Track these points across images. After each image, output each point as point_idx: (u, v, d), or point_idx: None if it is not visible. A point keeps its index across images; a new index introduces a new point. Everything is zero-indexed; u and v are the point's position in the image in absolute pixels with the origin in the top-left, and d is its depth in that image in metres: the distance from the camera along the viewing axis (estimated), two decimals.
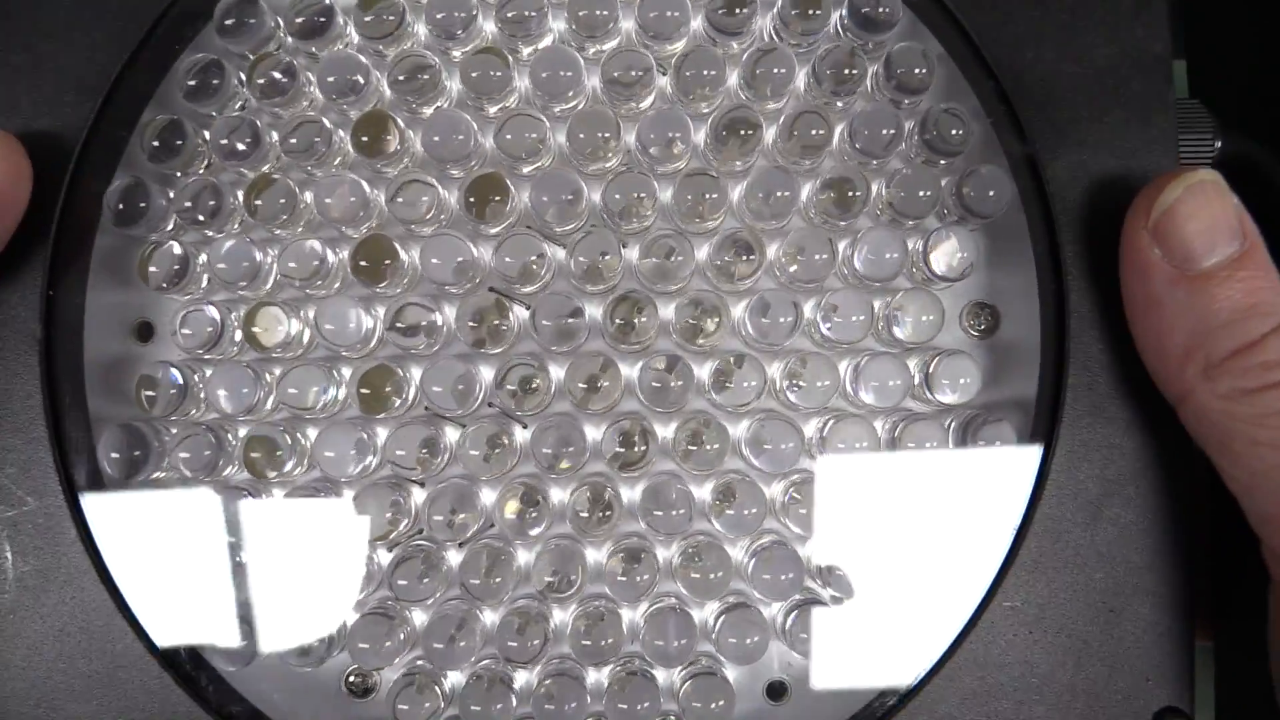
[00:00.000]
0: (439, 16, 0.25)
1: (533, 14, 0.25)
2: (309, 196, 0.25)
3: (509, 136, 0.24)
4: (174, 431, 0.26)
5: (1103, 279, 0.25)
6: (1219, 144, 0.28)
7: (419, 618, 0.26)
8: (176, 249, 0.25)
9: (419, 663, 0.26)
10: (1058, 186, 0.25)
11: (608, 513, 0.25)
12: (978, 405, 0.25)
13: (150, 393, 0.25)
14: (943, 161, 0.25)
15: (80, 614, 0.25)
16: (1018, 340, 0.26)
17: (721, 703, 0.25)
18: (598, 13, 0.24)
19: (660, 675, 0.26)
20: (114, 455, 0.25)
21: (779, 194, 0.25)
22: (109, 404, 0.26)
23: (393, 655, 0.25)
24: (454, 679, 0.26)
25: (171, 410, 0.25)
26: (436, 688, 0.25)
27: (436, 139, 0.24)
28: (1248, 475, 0.23)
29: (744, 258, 0.25)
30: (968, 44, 0.26)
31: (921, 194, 0.25)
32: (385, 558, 0.26)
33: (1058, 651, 0.25)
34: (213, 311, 0.25)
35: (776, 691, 0.26)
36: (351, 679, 0.26)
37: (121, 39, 0.26)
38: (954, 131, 0.25)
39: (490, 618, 0.26)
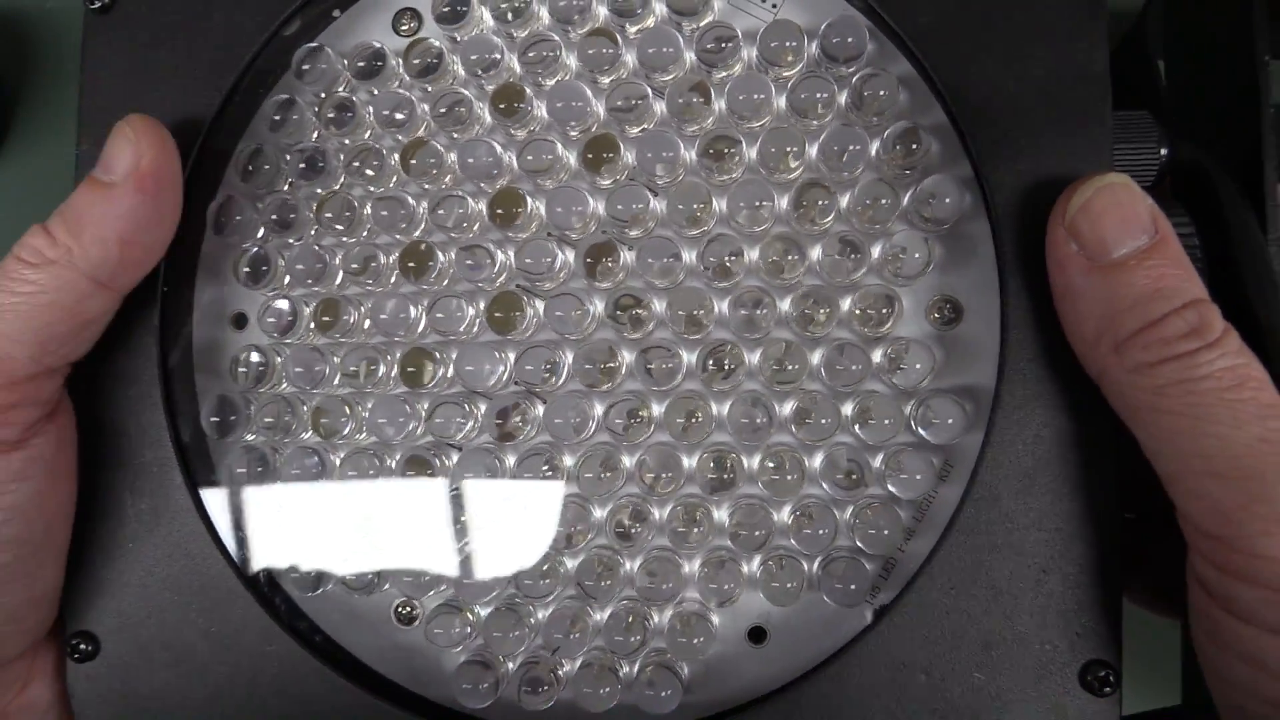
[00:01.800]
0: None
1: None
2: (367, 210, 0.31)
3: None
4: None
5: (1040, 277, 0.28)
6: (1164, 152, 0.30)
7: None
8: (260, 252, 0.31)
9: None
10: (1001, 195, 0.28)
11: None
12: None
13: (242, 369, 0.31)
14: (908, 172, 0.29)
15: (183, 543, 0.31)
16: (979, 334, 0.29)
17: (701, 640, 0.29)
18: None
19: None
20: (213, 419, 0.31)
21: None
22: (211, 379, 0.32)
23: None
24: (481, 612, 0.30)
25: (253, 385, 0.31)
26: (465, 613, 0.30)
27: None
28: (1155, 441, 0.25)
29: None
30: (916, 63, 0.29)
31: (883, 202, 0.28)
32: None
33: (991, 605, 0.28)
34: (285, 304, 0.31)
35: (758, 636, 0.30)
36: (400, 609, 0.31)
37: (218, 85, 0.31)
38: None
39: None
